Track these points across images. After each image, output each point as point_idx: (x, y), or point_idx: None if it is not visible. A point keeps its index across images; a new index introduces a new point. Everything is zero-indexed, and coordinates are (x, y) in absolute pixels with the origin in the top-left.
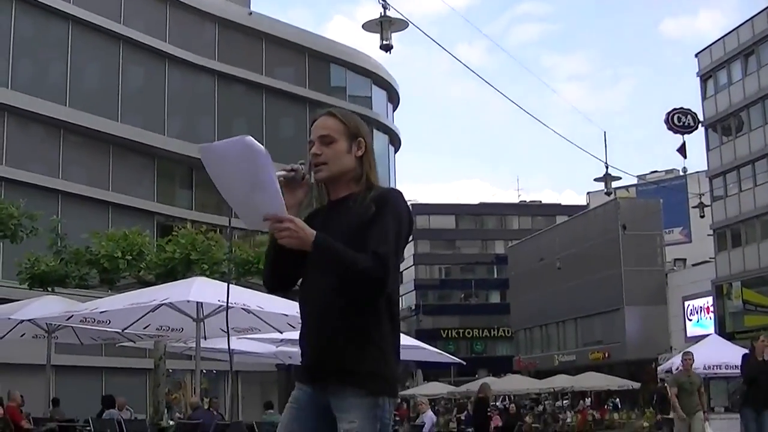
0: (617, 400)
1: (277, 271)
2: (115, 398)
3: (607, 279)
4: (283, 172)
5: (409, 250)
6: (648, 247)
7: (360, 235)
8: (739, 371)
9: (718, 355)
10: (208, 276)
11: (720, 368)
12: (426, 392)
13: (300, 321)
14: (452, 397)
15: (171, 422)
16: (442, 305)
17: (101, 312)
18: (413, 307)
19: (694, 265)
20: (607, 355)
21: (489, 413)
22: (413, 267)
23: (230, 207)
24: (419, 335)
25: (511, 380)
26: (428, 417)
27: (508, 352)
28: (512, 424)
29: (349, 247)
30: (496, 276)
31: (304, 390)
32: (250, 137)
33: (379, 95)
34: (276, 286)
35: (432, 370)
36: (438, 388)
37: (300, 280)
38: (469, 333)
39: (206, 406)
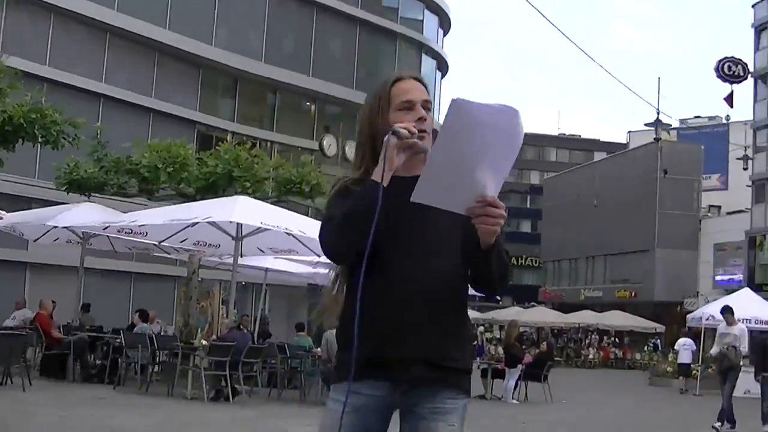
0: (658, 341)
1: (358, 241)
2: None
3: (641, 219)
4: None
5: None
6: (685, 192)
7: (457, 224)
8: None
9: (751, 309)
10: (250, 194)
11: (751, 323)
12: None
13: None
14: (475, 323)
15: (204, 342)
16: None
17: (140, 225)
18: None
19: (728, 213)
20: (633, 294)
21: (523, 349)
22: None
23: (425, 174)
24: None
25: (537, 312)
26: None
27: (535, 282)
28: (543, 362)
29: (451, 235)
30: (529, 206)
31: (369, 393)
32: (518, 111)
33: (430, 20)
34: (350, 258)
35: None
36: None
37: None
38: None
39: (239, 324)
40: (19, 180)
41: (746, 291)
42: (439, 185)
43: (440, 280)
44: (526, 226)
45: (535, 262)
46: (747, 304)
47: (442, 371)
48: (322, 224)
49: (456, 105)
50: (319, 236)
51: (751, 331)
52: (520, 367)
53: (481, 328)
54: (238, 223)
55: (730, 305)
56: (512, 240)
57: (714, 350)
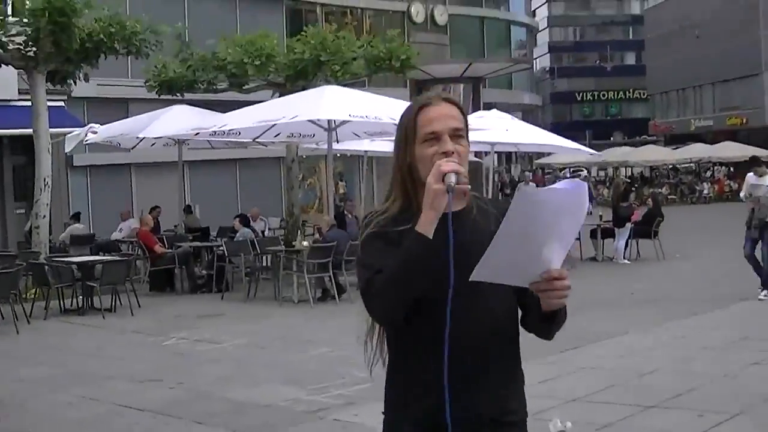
0: None
1: (409, 301)
2: (248, 214)
3: (747, 43)
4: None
5: (542, 12)
6: None
7: None
8: None
9: None
10: (339, 76)
11: None
12: (561, 160)
13: None
14: (587, 166)
15: (305, 243)
16: (577, 67)
17: (230, 130)
18: (547, 69)
19: None
20: (744, 120)
21: (630, 206)
22: (547, 29)
23: (489, 261)
24: (553, 99)
25: (647, 151)
26: None
27: (644, 114)
28: (652, 218)
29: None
30: (631, 37)
31: None
32: (585, 185)
33: None
34: (401, 319)
35: (566, 133)
36: (573, 155)
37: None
38: (604, 95)
39: (342, 208)
40: (113, 82)
41: None
42: (501, 264)
43: (493, 324)
44: (630, 59)
45: (643, 95)
46: None
47: (503, 427)
48: (363, 277)
49: (522, 194)
50: (363, 293)
51: None
52: (629, 225)
53: (594, 170)
54: (328, 120)
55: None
56: (618, 73)
57: (744, 197)
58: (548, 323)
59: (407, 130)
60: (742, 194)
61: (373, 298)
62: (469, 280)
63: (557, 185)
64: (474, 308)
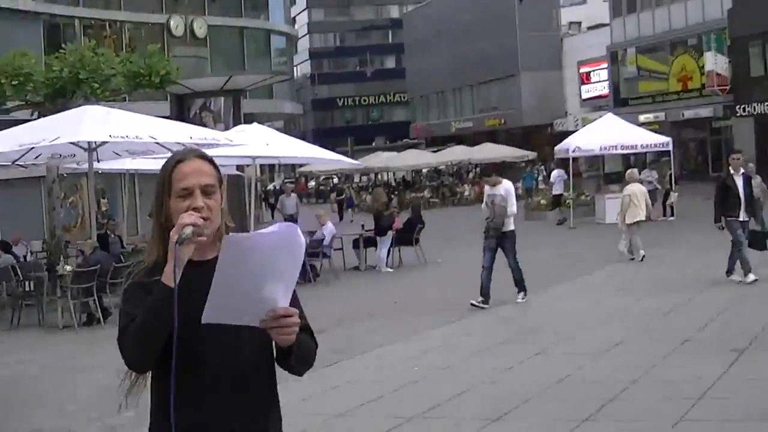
0: (542, 166)
1: (156, 348)
2: (9, 240)
3: (503, 45)
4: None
5: (302, 19)
6: (543, 11)
7: None
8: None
9: (614, 135)
10: (98, 93)
11: (616, 148)
12: (323, 168)
13: None
14: (349, 173)
15: (68, 267)
16: (338, 73)
17: None
18: (308, 76)
19: (589, 28)
20: (503, 121)
21: (391, 214)
22: (307, 36)
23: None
24: (315, 105)
25: (410, 155)
26: (328, 230)
27: (405, 117)
28: (413, 226)
29: None
30: (391, 41)
31: None
32: (296, 226)
33: None
34: (152, 365)
35: (328, 140)
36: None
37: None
38: (365, 100)
39: (105, 227)
40: None
41: (609, 116)
42: (227, 307)
43: (246, 357)
44: (390, 62)
45: (403, 98)
46: (611, 130)
47: None
48: (119, 326)
49: (228, 242)
50: (118, 341)
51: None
52: (390, 233)
53: (357, 176)
54: (88, 142)
55: (494, 166)
56: (378, 78)
57: (484, 209)
58: (287, 360)
59: (164, 185)
60: (482, 205)
61: (123, 345)
62: (202, 323)
63: (267, 229)
64: (228, 341)
